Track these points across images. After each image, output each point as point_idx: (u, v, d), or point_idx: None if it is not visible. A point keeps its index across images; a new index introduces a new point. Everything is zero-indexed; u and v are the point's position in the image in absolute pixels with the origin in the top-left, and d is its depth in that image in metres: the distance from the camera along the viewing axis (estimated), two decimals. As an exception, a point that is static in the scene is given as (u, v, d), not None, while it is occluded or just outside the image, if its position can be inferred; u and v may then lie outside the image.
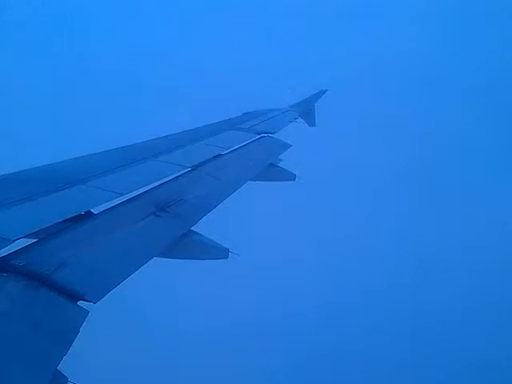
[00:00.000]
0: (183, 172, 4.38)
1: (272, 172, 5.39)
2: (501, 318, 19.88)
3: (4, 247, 2.53)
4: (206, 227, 3.53)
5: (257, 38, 31.39)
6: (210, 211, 3.69)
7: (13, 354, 1.83)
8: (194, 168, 4.55)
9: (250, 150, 5.76)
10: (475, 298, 20.70)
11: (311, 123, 9.83)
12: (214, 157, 5.05)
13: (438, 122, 26.88)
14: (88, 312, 2.23)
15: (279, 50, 30.71)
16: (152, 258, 2.83)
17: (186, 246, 3.24)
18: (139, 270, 2.70)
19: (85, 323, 2.15)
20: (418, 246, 23.08)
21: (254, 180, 4.91)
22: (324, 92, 11.71)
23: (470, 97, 27.98)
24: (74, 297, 2.27)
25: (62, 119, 25.85)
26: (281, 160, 5.81)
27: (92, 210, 3.24)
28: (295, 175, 5.62)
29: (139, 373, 17.34)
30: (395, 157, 25.30)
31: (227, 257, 3.52)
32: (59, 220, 2.97)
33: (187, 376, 17.52)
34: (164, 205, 3.48)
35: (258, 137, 6.50)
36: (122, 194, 3.56)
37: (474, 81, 28.34)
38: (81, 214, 3.15)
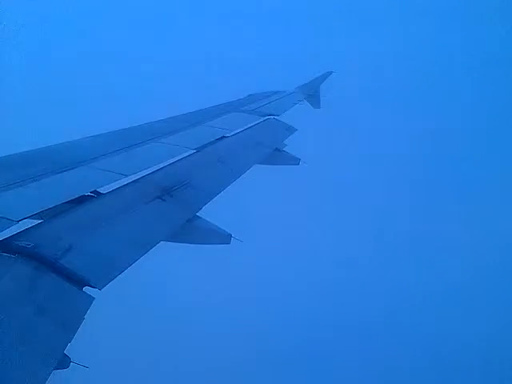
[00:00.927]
0: (188, 154, 4.35)
1: (276, 156, 5.35)
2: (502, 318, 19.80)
3: (8, 228, 2.53)
4: (209, 210, 3.52)
5: (265, 22, 31.11)
6: (214, 196, 3.67)
7: (19, 339, 1.83)
8: (199, 150, 4.52)
9: (255, 133, 5.71)
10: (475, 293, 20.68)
11: (316, 105, 9.76)
12: (219, 139, 5.01)
13: (444, 108, 26.70)
14: (93, 299, 2.22)
15: (285, 34, 30.44)
16: (157, 243, 2.82)
17: (189, 230, 3.23)
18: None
19: (89, 309, 2.14)
20: (421, 231, 23.07)
21: (258, 163, 4.89)
22: (330, 74, 11.59)
23: (471, 79, 27.79)
24: (80, 283, 2.25)
25: (67, 101, 25.78)
26: (286, 145, 5.75)
27: (96, 192, 3.24)
28: (299, 159, 5.57)
29: (143, 356, 17.49)
30: (400, 141, 25.15)
31: (229, 242, 3.52)
32: (63, 201, 2.95)
33: (191, 361, 17.65)
34: (169, 188, 3.45)
35: (262, 119, 6.44)
36: (125, 176, 3.54)
37: (474, 65, 28.13)
38: (84, 196, 3.14)
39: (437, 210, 23.72)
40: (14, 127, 21.56)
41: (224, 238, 3.49)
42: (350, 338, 19.26)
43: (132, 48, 29.42)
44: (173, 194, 3.39)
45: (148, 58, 29.11)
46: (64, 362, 2.05)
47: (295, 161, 5.57)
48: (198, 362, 17.65)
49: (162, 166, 3.91)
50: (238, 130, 5.53)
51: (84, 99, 25.60)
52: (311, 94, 9.67)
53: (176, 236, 3.07)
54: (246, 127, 5.78)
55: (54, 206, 2.86)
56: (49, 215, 2.79)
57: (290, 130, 6.37)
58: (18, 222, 2.60)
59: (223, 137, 5.13)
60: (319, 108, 9.80)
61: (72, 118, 22.62)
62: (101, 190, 3.25)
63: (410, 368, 18.76)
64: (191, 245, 3.35)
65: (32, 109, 24.56)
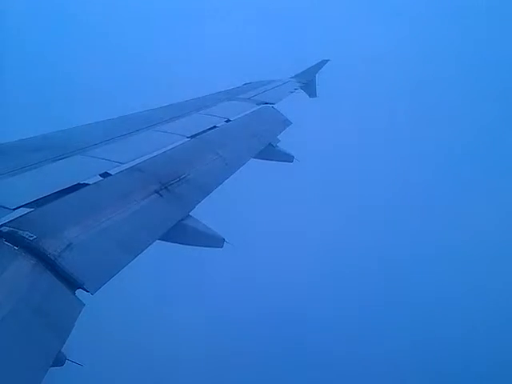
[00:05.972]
0: (184, 142, 4.35)
1: (270, 151, 5.30)
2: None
3: (4, 216, 2.51)
4: (201, 204, 3.48)
5: (260, 12, 30.85)
6: (210, 193, 3.66)
7: (12, 341, 1.83)
8: (194, 139, 4.52)
9: (251, 124, 5.70)
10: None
11: (312, 94, 9.73)
12: (214, 127, 5.01)
13: (443, 98, 26.66)
14: (83, 305, 2.20)
15: (281, 23, 30.21)
16: (151, 243, 2.79)
17: (181, 230, 3.21)
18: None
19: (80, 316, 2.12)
20: (421, 228, 23.09)
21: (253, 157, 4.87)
22: (325, 62, 11.53)
23: (465, 65, 27.81)
24: (74, 285, 2.23)
25: (62, 88, 25.54)
26: (279, 140, 5.70)
27: (92, 180, 3.22)
28: (293, 157, 5.52)
29: (135, 354, 17.46)
30: (396, 130, 25.06)
31: (222, 246, 3.48)
32: (59, 189, 2.95)
33: (183, 364, 17.63)
34: (167, 182, 3.44)
35: (258, 107, 6.42)
36: (121, 164, 3.54)
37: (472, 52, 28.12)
38: (80, 184, 3.13)
39: (435, 205, 23.75)
40: (12, 116, 21.40)
41: (217, 241, 3.46)
42: (345, 341, 19.34)
43: (129, 38, 29.17)
44: (170, 188, 3.37)
45: (145, 47, 28.87)
46: (59, 360, 2.05)
47: (289, 158, 5.53)
48: (189, 362, 17.64)
49: (158, 154, 3.91)
50: (234, 119, 5.52)
51: (81, 88, 25.38)
52: (307, 82, 9.64)
53: (167, 235, 3.03)
54: (241, 115, 5.77)
55: (50, 195, 2.86)
56: (44, 204, 2.79)
57: (286, 123, 6.34)
58: (14, 210, 2.60)
59: (219, 125, 5.12)
60: (315, 97, 9.78)
61: (69, 107, 22.42)
62: (97, 179, 3.24)
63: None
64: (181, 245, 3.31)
65: (30, 98, 24.36)
